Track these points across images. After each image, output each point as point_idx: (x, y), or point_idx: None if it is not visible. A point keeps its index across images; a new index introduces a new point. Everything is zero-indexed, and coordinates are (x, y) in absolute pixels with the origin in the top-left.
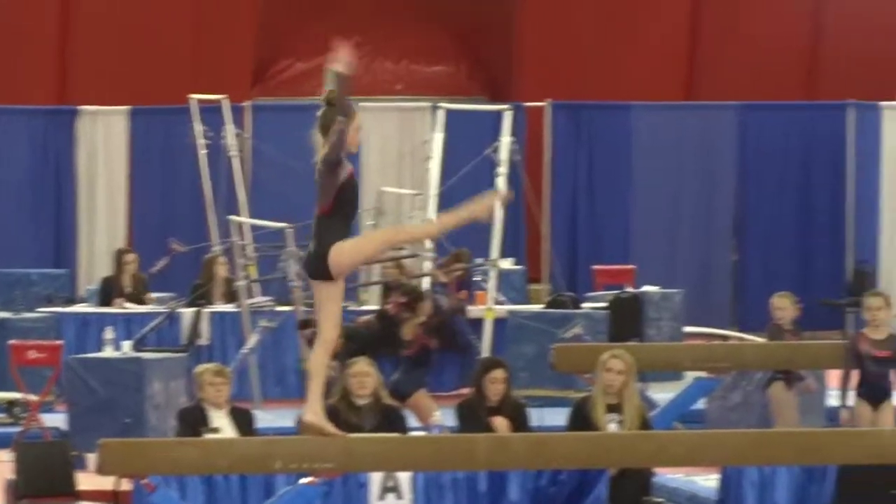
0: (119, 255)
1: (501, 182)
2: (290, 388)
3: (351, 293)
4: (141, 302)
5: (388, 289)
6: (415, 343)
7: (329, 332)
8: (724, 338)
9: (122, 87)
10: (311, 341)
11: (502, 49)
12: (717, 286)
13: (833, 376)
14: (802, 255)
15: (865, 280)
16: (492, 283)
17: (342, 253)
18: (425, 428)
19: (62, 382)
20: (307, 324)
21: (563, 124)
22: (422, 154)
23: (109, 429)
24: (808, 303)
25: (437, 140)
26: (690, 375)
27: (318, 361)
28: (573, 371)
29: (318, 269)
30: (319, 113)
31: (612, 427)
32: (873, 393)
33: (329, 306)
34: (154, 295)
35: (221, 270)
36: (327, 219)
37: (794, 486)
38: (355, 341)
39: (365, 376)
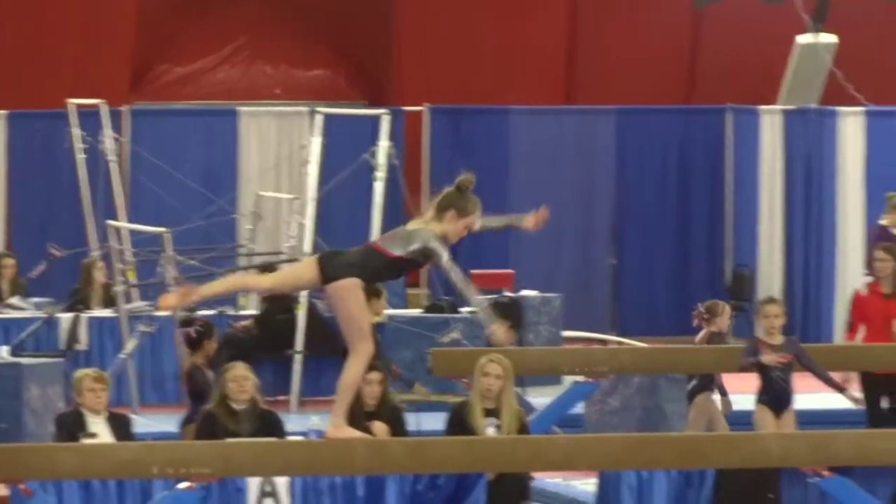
0: None
1: (379, 187)
2: (168, 393)
3: (230, 298)
4: (18, 307)
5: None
6: None
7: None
8: (603, 342)
9: None
10: (189, 340)
11: (381, 54)
12: (597, 291)
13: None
14: (681, 259)
15: (744, 284)
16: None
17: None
18: (304, 433)
19: None
20: (188, 322)
21: (442, 129)
22: (300, 159)
23: None
24: (686, 307)
25: (315, 145)
26: (569, 380)
27: (354, 373)
28: (451, 375)
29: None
30: (445, 192)
31: (490, 431)
32: (777, 400)
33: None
34: (32, 300)
35: (100, 275)
36: (379, 258)
37: (672, 490)
38: (234, 346)
39: (244, 380)
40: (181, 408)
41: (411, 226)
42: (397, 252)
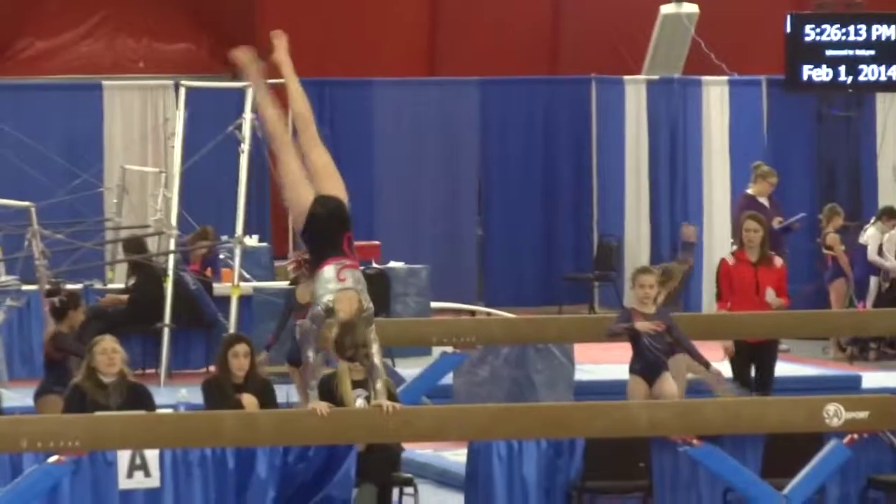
0: None
1: (244, 160)
2: (36, 367)
3: (98, 271)
4: None
5: (133, 267)
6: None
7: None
8: (472, 313)
9: None
10: (53, 310)
11: (243, 26)
12: (463, 261)
13: (580, 350)
14: (547, 229)
15: (611, 254)
16: (237, 261)
17: None
18: (173, 406)
19: None
20: (54, 292)
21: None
22: (165, 132)
23: None
24: (553, 277)
25: (180, 118)
26: (438, 350)
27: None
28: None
29: None
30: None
31: (359, 403)
32: (650, 368)
33: None
34: None
35: None
36: None
37: (542, 459)
38: (102, 319)
39: (113, 353)
40: None
41: None
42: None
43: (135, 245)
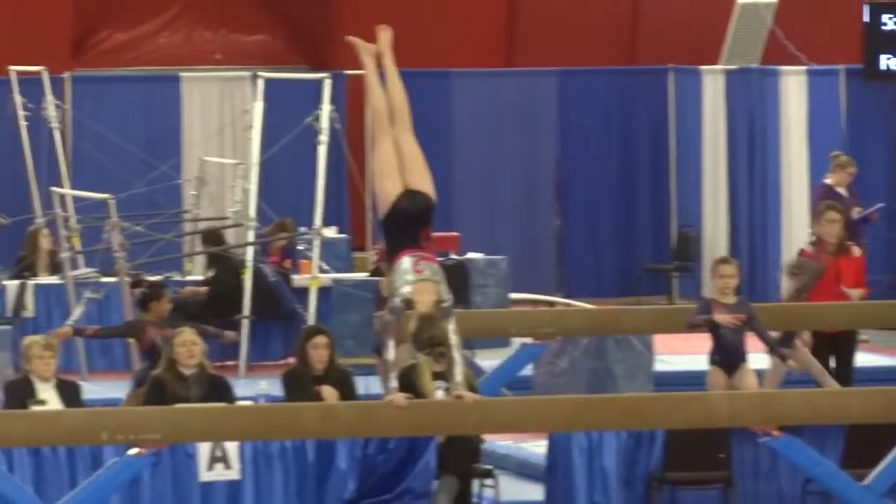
0: None
1: (322, 151)
2: (116, 359)
3: (176, 263)
4: None
5: (212, 259)
6: None
7: None
8: (550, 304)
9: None
10: (139, 301)
11: (321, 17)
12: (542, 252)
13: (659, 341)
14: (626, 219)
15: (689, 244)
16: (316, 252)
17: None
18: (252, 398)
19: None
20: (138, 283)
21: None
22: (243, 124)
23: None
24: (632, 268)
25: (258, 109)
26: (517, 342)
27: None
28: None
29: None
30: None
31: (440, 394)
32: (729, 360)
33: None
34: None
35: (45, 242)
36: None
37: (621, 450)
38: (181, 311)
39: (192, 345)
40: (129, 374)
41: None
42: None
43: (213, 237)
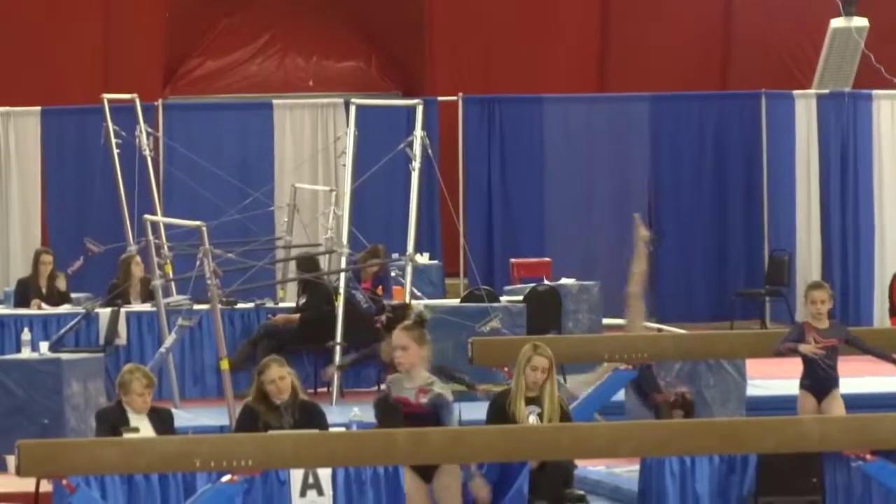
0: (36, 256)
1: (415, 177)
2: (208, 386)
3: (269, 290)
4: (58, 303)
5: (304, 286)
6: None
7: None
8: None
9: (32, 86)
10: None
11: (412, 44)
12: None
13: (752, 365)
14: (718, 244)
15: (782, 269)
16: (408, 279)
17: None
18: (345, 424)
19: None
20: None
21: (476, 118)
22: (335, 150)
23: (28, 430)
24: (724, 292)
25: (350, 136)
26: (609, 367)
27: None
28: (491, 364)
29: None
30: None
31: (532, 420)
32: (820, 384)
33: None
34: (71, 295)
35: (137, 270)
36: None
37: (715, 475)
38: (274, 338)
39: (281, 381)
40: (221, 401)
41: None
42: None
43: (306, 263)
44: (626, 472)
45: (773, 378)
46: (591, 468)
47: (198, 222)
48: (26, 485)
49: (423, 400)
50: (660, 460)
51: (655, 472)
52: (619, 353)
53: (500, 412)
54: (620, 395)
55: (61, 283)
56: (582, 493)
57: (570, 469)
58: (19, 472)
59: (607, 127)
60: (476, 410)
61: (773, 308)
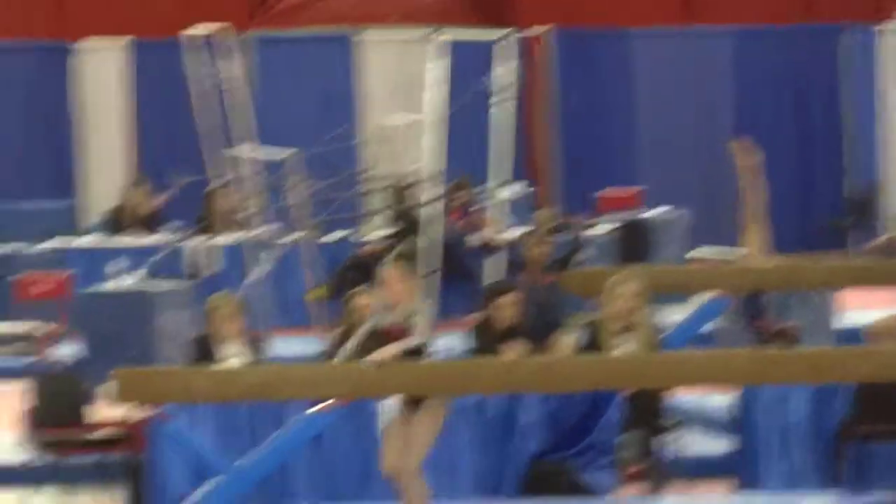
0: (126, 187)
1: (501, 109)
2: (297, 317)
3: (356, 223)
4: (148, 234)
5: (392, 218)
6: None
7: None
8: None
9: (119, 19)
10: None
11: None
12: (722, 209)
13: (841, 297)
14: (801, 176)
15: (867, 200)
16: (495, 211)
17: None
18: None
19: (71, 314)
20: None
21: (563, 50)
22: (420, 83)
23: (120, 360)
24: (809, 224)
25: (435, 69)
26: (699, 297)
27: None
28: (582, 295)
29: None
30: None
31: (624, 349)
32: None
33: None
34: (160, 226)
35: (225, 202)
36: None
37: (809, 404)
38: (361, 270)
39: (366, 309)
40: (310, 331)
41: None
42: None
43: (394, 196)
44: (719, 400)
45: (862, 309)
46: (683, 397)
47: (285, 154)
48: (121, 412)
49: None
50: (753, 389)
51: (749, 400)
52: (710, 283)
53: (593, 341)
54: (711, 325)
55: (151, 214)
56: (675, 421)
57: (662, 398)
58: (114, 399)
59: (693, 60)
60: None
61: (858, 239)
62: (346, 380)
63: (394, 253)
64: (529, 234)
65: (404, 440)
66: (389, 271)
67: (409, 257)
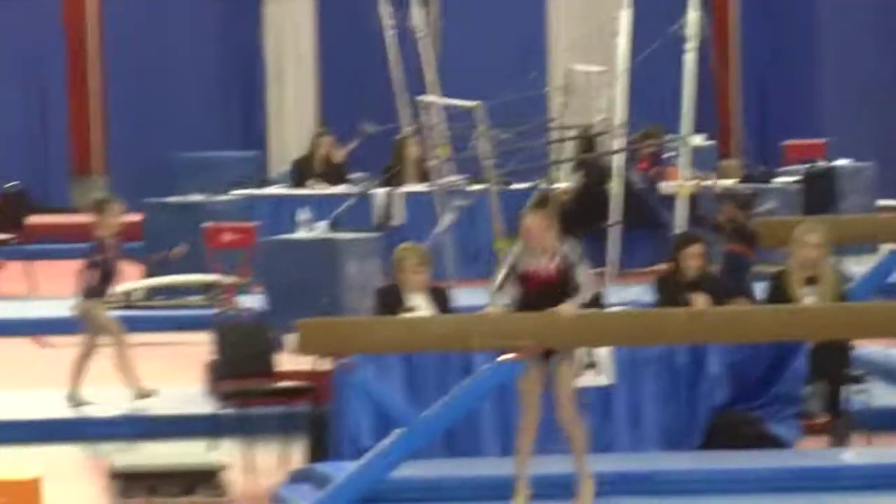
0: (313, 137)
1: (690, 59)
2: (484, 266)
3: (544, 171)
4: (334, 183)
5: (578, 166)
6: None
7: None
8: None
9: None
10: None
11: None
12: None
13: None
14: None
15: None
16: (683, 160)
17: None
18: (623, 304)
19: (257, 264)
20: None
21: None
22: (609, 30)
23: (305, 310)
24: None
25: (625, 16)
26: (885, 248)
27: None
28: (767, 245)
29: None
30: None
31: (809, 300)
32: None
33: None
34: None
35: (413, 151)
36: None
37: None
38: None
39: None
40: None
41: None
42: None
43: (581, 144)
44: None
45: None
46: (869, 349)
47: (473, 103)
48: (304, 363)
49: (554, 268)
50: None
51: None
52: (893, 235)
53: (778, 292)
54: None
55: (337, 164)
56: (861, 372)
57: (848, 349)
58: (298, 350)
59: (880, 3)
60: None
61: None
62: (535, 329)
63: (533, 199)
64: (720, 195)
65: (555, 393)
66: (530, 217)
67: (548, 203)
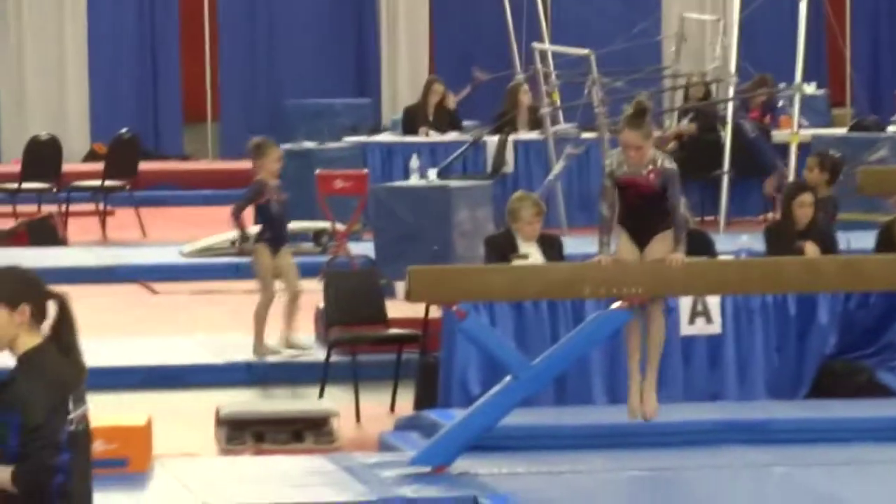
0: (426, 85)
1: (803, 6)
2: (596, 214)
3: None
4: (446, 131)
5: (690, 114)
6: None
7: None
8: None
9: None
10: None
11: None
12: None
13: None
14: None
15: None
16: (795, 108)
17: None
18: (735, 252)
19: (368, 211)
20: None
21: None
22: None
23: (416, 257)
24: None
25: None
26: None
27: None
28: (879, 194)
29: None
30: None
31: None
32: None
33: None
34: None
35: (525, 98)
36: None
37: None
38: None
39: None
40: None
41: None
42: None
43: (695, 92)
44: None
45: None
46: None
47: (586, 50)
48: (415, 310)
49: (653, 177)
50: None
51: None
52: None
53: (889, 241)
54: None
55: (450, 111)
56: None
57: None
58: (409, 297)
59: None
60: (864, 240)
61: None
62: (646, 277)
63: (629, 109)
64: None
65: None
66: (627, 132)
67: (645, 114)
